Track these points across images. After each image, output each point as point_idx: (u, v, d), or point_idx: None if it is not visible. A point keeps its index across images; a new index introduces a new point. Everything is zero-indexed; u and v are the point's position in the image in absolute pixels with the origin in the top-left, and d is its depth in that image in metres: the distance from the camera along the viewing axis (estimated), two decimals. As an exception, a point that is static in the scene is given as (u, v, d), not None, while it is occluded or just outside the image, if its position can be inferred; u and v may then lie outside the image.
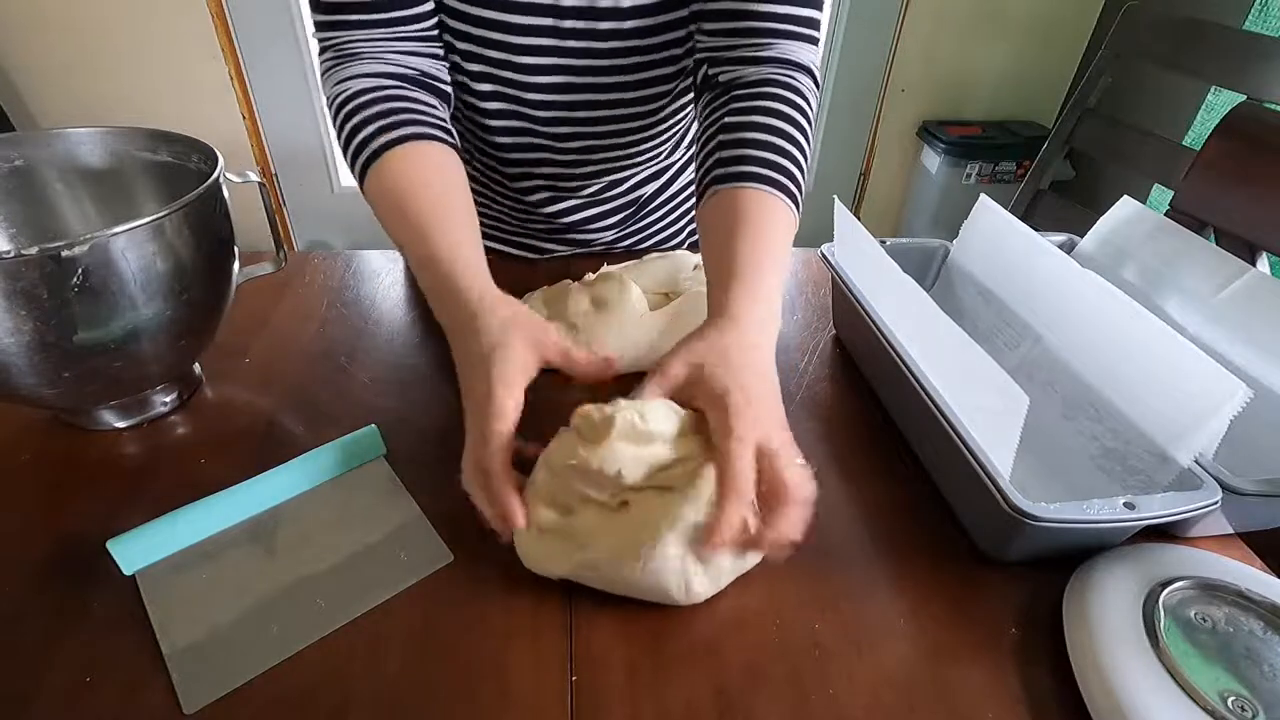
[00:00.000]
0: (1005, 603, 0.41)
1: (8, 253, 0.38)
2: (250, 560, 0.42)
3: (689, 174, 0.77)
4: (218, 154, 0.50)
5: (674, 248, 0.82)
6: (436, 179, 0.50)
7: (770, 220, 0.47)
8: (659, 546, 0.37)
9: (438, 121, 0.53)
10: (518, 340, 0.41)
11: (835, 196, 0.60)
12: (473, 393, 0.41)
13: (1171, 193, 0.90)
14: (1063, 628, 0.39)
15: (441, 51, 0.58)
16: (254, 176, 0.54)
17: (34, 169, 0.53)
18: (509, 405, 0.39)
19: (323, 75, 0.55)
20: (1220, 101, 1.48)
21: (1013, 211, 0.63)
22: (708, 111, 0.54)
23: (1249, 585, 0.39)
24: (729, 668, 0.37)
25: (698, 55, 0.57)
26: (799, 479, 0.37)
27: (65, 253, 0.39)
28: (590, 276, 0.61)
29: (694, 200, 0.79)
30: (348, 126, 0.51)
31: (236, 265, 0.53)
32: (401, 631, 0.38)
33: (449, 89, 0.58)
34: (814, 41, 0.54)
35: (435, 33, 0.57)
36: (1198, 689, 0.34)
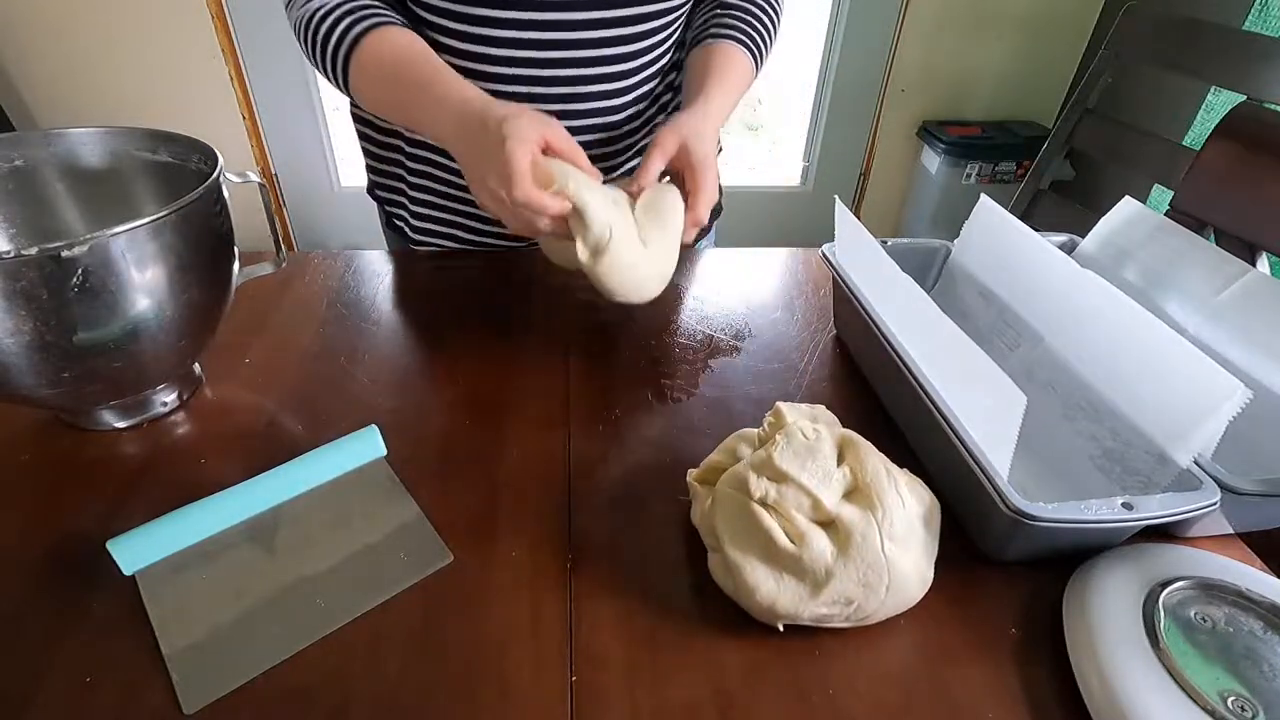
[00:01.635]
0: (1005, 603, 0.41)
1: (8, 253, 0.38)
2: (250, 560, 0.42)
3: None
4: (218, 154, 0.50)
5: None
6: (415, 49, 0.61)
7: (737, 65, 0.67)
8: (895, 564, 0.37)
9: (397, 16, 0.63)
10: (525, 114, 0.51)
11: (836, 196, 0.60)
12: (489, 162, 0.51)
13: (1171, 193, 0.90)
14: (1063, 628, 0.39)
15: None
16: (254, 176, 0.54)
17: (34, 169, 0.53)
18: (522, 157, 0.49)
19: (285, 6, 0.67)
20: (1220, 101, 1.48)
21: (1013, 212, 0.63)
22: (706, 7, 0.73)
23: (1249, 585, 0.39)
24: (729, 668, 0.37)
25: None
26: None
27: (65, 253, 0.39)
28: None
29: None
30: (321, 30, 0.62)
31: (236, 265, 0.53)
32: (401, 631, 0.38)
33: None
34: None
35: None
36: (1198, 689, 0.34)
